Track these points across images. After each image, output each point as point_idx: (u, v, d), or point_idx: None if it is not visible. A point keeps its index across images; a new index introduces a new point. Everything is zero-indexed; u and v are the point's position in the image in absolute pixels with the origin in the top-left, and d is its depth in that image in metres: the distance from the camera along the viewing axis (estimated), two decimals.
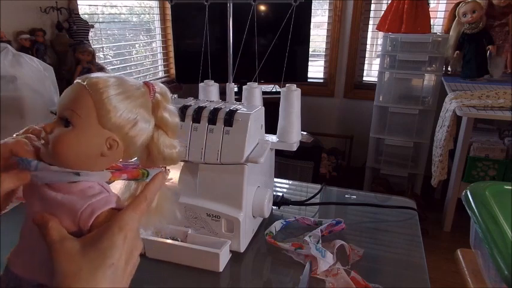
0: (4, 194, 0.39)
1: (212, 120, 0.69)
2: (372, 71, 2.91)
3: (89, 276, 0.34)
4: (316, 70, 2.93)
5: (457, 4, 2.28)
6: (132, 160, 0.43)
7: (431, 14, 2.42)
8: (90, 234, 0.37)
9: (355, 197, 0.98)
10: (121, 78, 0.41)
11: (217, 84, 0.86)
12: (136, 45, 2.79)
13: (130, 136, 0.40)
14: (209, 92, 0.84)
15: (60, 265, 0.34)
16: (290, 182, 1.06)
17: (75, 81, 0.39)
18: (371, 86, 2.63)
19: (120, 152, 0.40)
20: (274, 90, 2.59)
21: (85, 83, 0.38)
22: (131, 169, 0.42)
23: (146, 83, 0.42)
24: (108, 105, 0.38)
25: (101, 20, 2.47)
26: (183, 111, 0.70)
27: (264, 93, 0.85)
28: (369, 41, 2.81)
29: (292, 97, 0.78)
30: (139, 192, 0.41)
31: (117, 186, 0.45)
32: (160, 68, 2.97)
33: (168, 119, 0.43)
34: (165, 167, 0.44)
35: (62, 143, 0.38)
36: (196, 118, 0.69)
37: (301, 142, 0.82)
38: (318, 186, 0.98)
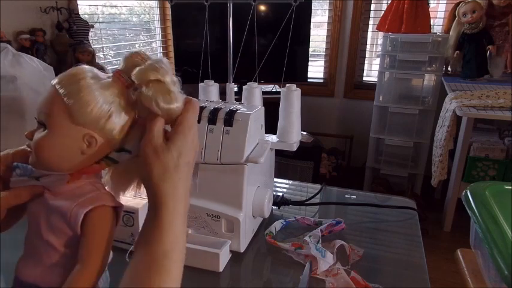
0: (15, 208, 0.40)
1: (212, 120, 0.69)
2: (372, 71, 2.91)
3: (174, 170, 0.39)
4: (316, 70, 2.93)
5: (457, 4, 2.28)
6: None
7: (431, 14, 2.41)
8: (167, 136, 0.39)
9: (355, 197, 0.98)
10: (90, 70, 0.39)
11: (217, 84, 0.86)
12: (137, 45, 2.79)
13: (108, 129, 0.38)
14: (209, 92, 0.84)
15: (147, 158, 0.38)
16: (290, 182, 1.05)
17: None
18: (371, 86, 2.63)
19: (102, 147, 0.39)
20: (274, 90, 2.59)
21: (55, 82, 0.38)
22: (91, 166, 0.40)
23: (114, 71, 0.40)
24: (77, 101, 0.37)
25: (101, 20, 2.47)
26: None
27: (264, 93, 0.85)
28: (369, 41, 2.81)
29: (292, 97, 0.78)
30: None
31: None
32: None
33: (154, 77, 0.38)
34: None
35: (40, 147, 0.38)
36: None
37: (301, 142, 0.82)
38: (318, 186, 0.98)
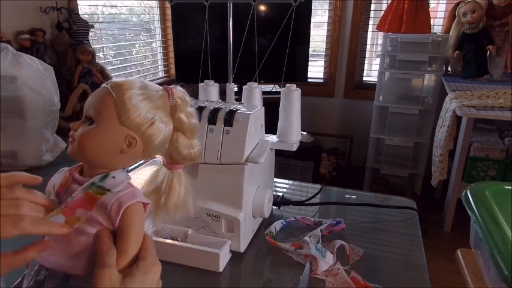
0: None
1: (212, 120, 0.69)
2: (372, 71, 2.91)
3: None
4: (316, 70, 2.93)
5: (457, 4, 2.28)
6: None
7: (431, 14, 2.41)
8: (128, 272, 0.39)
9: (355, 197, 0.98)
10: (142, 82, 0.44)
11: (217, 84, 0.86)
12: (136, 45, 2.79)
13: (148, 135, 0.42)
14: (209, 92, 0.84)
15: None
16: (290, 182, 1.05)
17: (101, 86, 0.43)
18: (371, 86, 2.63)
19: (139, 151, 0.43)
20: (274, 90, 2.59)
21: (108, 86, 0.42)
22: (81, 198, 0.41)
23: (166, 88, 0.45)
24: (127, 105, 0.41)
25: (101, 20, 2.47)
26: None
27: (264, 93, 0.85)
28: (369, 41, 2.81)
29: (292, 97, 0.78)
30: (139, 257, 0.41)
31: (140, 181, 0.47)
32: (160, 68, 2.97)
33: (185, 121, 0.45)
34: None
35: (85, 139, 0.41)
36: None
37: (301, 142, 0.82)
38: (318, 186, 0.98)
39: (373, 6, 2.73)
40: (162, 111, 0.43)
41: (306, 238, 0.73)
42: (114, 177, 0.42)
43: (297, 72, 2.55)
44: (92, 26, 2.22)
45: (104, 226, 0.41)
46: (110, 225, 0.41)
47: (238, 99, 0.82)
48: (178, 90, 0.46)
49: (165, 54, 2.98)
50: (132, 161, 0.44)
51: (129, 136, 0.42)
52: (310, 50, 2.60)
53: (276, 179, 0.96)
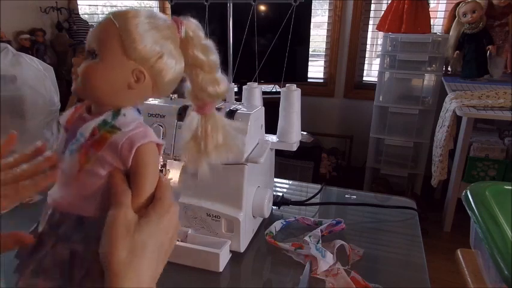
0: None
1: None
2: (372, 71, 2.91)
3: (140, 251, 0.35)
4: (316, 70, 2.93)
5: (457, 4, 2.28)
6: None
7: (431, 14, 2.41)
8: (143, 213, 0.37)
9: (355, 197, 0.98)
10: (149, 11, 0.40)
11: None
12: None
13: (157, 69, 0.39)
14: None
15: (113, 229, 0.35)
16: (290, 182, 1.05)
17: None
18: (371, 86, 2.63)
19: (148, 87, 0.40)
20: (274, 90, 2.59)
21: (111, 15, 0.39)
22: (90, 139, 0.39)
23: (174, 18, 0.41)
24: (132, 35, 0.38)
25: (100, 20, 2.47)
26: (183, 111, 0.70)
27: (264, 93, 0.85)
28: (369, 41, 2.81)
29: (292, 97, 0.78)
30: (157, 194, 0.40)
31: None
32: None
33: (200, 57, 0.42)
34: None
35: (88, 74, 0.38)
36: None
37: (301, 142, 0.82)
38: (318, 186, 0.98)
39: (373, 6, 2.73)
40: (172, 43, 0.40)
41: (306, 238, 0.73)
42: (124, 114, 0.39)
43: (297, 72, 2.55)
44: (92, 26, 2.22)
45: (115, 167, 0.39)
46: (121, 165, 0.39)
47: (238, 99, 0.82)
48: (190, 22, 0.42)
49: None
50: (142, 98, 0.41)
51: (137, 70, 0.38)
52: (310, 50, 2.60)
53: (276, 179, 0.96)
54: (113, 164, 0.38)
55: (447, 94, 2.09)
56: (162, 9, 2.86)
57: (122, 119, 0.39)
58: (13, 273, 0.42)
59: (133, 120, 0.39)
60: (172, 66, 0.40)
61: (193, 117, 0.45)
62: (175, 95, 0.75)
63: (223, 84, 0.44)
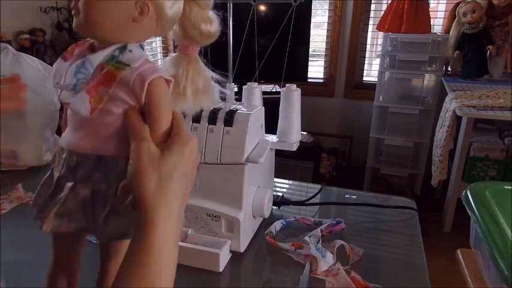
0: None
1: (212, 120, 0.69)
2: (372, 71, 2.91)
3: (167, 181, 0.37)
4: (316, 70, 2.93)
5: (457, 4, 2.28)
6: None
7: (431, 14, 2.41)
8: (164, 146, 0.38)
9: (355, 197, 0.98)
10: None
11: (216, 85, 0.86)
12: None
13: (160, 2, 0.38)
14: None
15: (140, 163, 0.37)
16: (290, 182, 1.05)
17: None
18: (371, 86, 2.63)
19: (152, 21, 0.39)
20: (274, 90, 2.59)
21: None
22: (101, 75, 0.38)
23: None
24: None
25: None
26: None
27: (264, 93, 0.85)
28: (369, 41, 2.81)
29: (292, 97, 0.78)
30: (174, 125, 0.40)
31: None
32: None
33: None
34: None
35: (90, 8, 0.37)
36: (196, 118, 0.69)
37: (301, 142, 0.82)
38: (318, 186, 0.98)
39: (373, 6, 2.73)
40: None
41: (306, 238, 0.73)
42: (131, 50, 0.39)
43: (297, 72, 2.55)
44: None
45: (129, 104, 0.38)
46: (135, 102, 0.38)
47: (238, 99, 0.82)
48: None
49: (165, 54, 2.98)
50: (146, 35, 0.40)
51: (140, 1, 0.37)
52: (310, 50, 2.60)
53: (276, 179, 0.96)
54: (127, 101, 0.38)
55: (447, 94, 2.09)
56: None
57: (129, 54, 0.38)
58: (33, 220, 0.42)
59: (140, 57, 0.39)
60: None
61: (175, 58, 0.45)
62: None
63: (215, 24, 0.44)
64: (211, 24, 0.43)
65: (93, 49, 0.40)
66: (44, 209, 0.41)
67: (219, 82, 0.49)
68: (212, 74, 0.47)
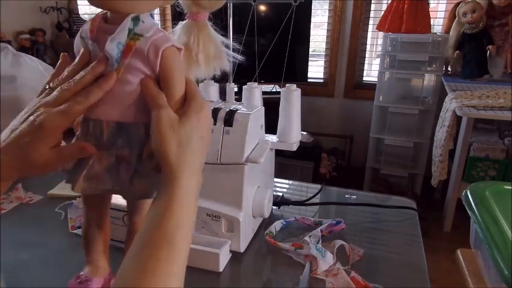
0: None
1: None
2: (372, 71, 2.91)
3: (187, 143, 0.40)
4: (316, 70, 2.93)
5: (457, 4, 2.28)
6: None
7: (431, 14, 2.41)
8: (182, 112, 0.41)
9: (355, 197, 0.98)
10: None
11: (217, 84, 0.86)
12: None
13: None
14: (209, 92, 0.84)
15: (161, 129, 0.39)
16: (290, 182, 1.05)
17: None
18: (371, 86, 2.63)
19: None
20: (274, 90, 2.59)
21: None
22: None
23: None
24: None
25: None
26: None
27: (264, 93, 0.85)
28: (369, 41, 2.81)
29: (292, 97, 0.78)
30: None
31: None
32: None
33: None
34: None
35: None
36: None
37: (301, 142, 0.82)
38: (318, 186, 0.98)
39: (373, 6, 2.73)
40: None
41: (306, 238, 0.73)
42: (143, 21, 0.40)
43: (297, 72, 2.55)
44: None
45: (145, 72, 0.40)
46: (150, 70, 0.40)
47: (238, 99, 0.82)
48: None
49: (163, 27, 2.97)
50: (158, 3, 0.42)
51: None
52: (310, 50, 2.60)
53: (276, 179, 0.96)
54: (143, 70, 0.40)
55: (447, 94, 2.09)
56: (162, 9, 2.85)
57: (142, 25, 0.40)
58: (65, 183, 0.45)
59: (151, 26, 0.40)
60: None
61: (185, 26, 0.46)
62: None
63: None
64: None
65: (106, 19, 0.41)
66: (73, 173, 0.44)
67: (228, 46, 0.50)
68: (222, 38, 0.49)
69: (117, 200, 0.54)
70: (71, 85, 0.40)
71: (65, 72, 0.42)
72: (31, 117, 0.39)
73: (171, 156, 0.39)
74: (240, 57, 0.53)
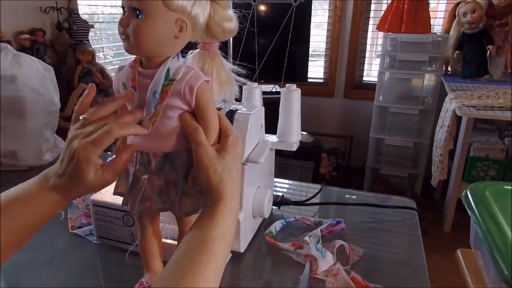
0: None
1: None
2: (372, 71, 2.91)
3: (228, 173, 0.46)
4: (316, 70, 2.93)
5: (457, 4, 2.28)
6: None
7: (431, 14, 2.41)
8: (220, 147, 0.47)
9: (355, 197, 0.98)
10: None
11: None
12: None
13: (194, 14, 0.44)
14: None
15: (203, 163, 0.45)
16: (290, 182, 1.05)
17: None
18: (371, 86, 2.63)
19: (189, 33, 0.45)
20: (274, 90, 2.59)
21: None
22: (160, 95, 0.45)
23: None
24: None
25: (101, 20, 2.47)
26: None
27: (264, 93, 0.85)
28: (369, 41, 2.81)
29: (292, 97, 0.78)
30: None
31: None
32: None
33: None
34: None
35: (140, 33, 0.42)
36: None
37: (301, 142, 0.82)
38: (318, 186, 0.98)
39: (373, 6, 2.73)
40: None
41: (306, 238, 0.73)
42: (172, 68, 0.45)
43: (297, 72, 2.55)
44: (92, 26, 2.22)
45: (183, 108, 0.46)
46: (187, 105, 0.46)
47: (238, 99, 0.82)
48: None
49: None
50: (184, 44, 0.46)
51: (179, 20, 0.43)
52: (310, 50, 2.60)
53: (276, 179, 0.96)
54: (181, 107, 0.46)
55: (447, 94, 2.09)
56: None
57: (172, 71, 0.45)
58: (121, 206, 0.52)
59: (179, 67, 0.45)
60: (203, 7, 0.45)
61: (197, 55, 0.50)
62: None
63: (235, 20, 0.49)
64: (232, 22, 0.49)
65: (141, 63, 0.47)
66: (129, 197, 0.50)
67: (238, 74, 0.55)
68: (231, 65, 0.54)
69: (117, 200, 0.54)
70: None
71: (106, 108, 0.46)
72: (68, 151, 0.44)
73: (213, 185, 0.45)
74: (243, 80, 0.56)
